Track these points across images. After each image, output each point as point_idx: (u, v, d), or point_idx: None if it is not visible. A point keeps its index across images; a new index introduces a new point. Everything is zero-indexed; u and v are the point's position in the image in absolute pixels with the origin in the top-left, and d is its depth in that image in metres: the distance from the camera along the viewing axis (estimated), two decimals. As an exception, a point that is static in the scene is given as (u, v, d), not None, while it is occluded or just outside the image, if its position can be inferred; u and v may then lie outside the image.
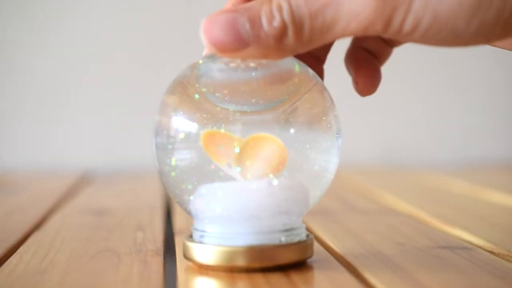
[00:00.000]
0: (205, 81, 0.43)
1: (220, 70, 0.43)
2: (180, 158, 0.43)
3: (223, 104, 0.42)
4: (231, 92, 0.42)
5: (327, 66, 0.49)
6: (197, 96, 0.43)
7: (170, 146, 0.43)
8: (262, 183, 0.42)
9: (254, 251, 0.42)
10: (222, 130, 0.42)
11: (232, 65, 0.42)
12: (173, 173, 0.43)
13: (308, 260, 0.45)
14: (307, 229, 0.53)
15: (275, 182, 0.42)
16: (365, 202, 0.77)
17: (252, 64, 0.42)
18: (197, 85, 0.43)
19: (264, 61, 0.42)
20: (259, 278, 0.41)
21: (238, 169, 0.42)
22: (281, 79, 0.43)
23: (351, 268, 0.44)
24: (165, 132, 0.43)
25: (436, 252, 0.47)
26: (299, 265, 0.43)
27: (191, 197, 0.43)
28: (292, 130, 0.42)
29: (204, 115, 0.42)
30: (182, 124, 0.43)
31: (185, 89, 0.43)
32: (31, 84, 1.21)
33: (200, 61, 0.44)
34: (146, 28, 1.23)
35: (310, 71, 0.44)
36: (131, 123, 1.21)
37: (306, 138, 0.43)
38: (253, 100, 0.42)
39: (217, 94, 0.42)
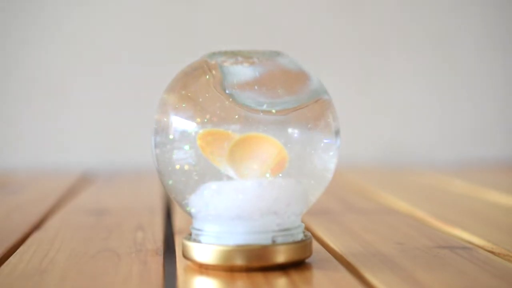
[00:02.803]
0: (218, 79, 0.43)
1: (229, 67, 0.43)
2: (179, 157, 0.43)
3: (230, 100, 0.42)
4: (239, 88, 0.43)
5: (328, 67, 0.49)
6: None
7: (168, 146, 0.43)
8: (253, 183, 0.42)
9: (249, 251, 0.42)
10: (221, 129, 0.42)
11: (239, 63, 0.42)
12: (171, 173, 0.43)
13: (308, 260, 0.45)
14: (307, 228, 0.53)
15: (266, 182, 0.42)
16: (365, 202, 0.77)
17: (263, 63, 0.42)
18: (204, 81, 0.43)
19: (275, 63, 0.42)
20: (259, 278, 0.41)
21: (231, 168, 0.42)
22: (293, 82, 0.43)
23: (351, 267, 0.44)
24: (164, 131, 0.43)
25: (436, 252, 0.47)
26: (299, 265, 0.43)
27: (189, 197, 0.43)
28: (291, 130, 0.42)
29: (203, 114, 0.42)
30: (180, 123, 0.43)
31: (186, 88, 0.43)
32: (32, 84, 1.21)
33: (207, 59, 0.44)
34: (146, 28, 1.23)
35: (316, 78, 0.44)
36: (131, 123, 1.21)
37: (305, 138, 0.43)
38: (260, 99, 0.42)
39: (225, 91, 0.42)
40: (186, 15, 1.22)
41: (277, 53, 0.44)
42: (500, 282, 0.40)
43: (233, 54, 0.43)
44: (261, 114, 0.42)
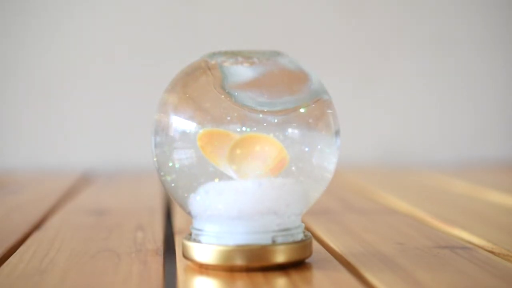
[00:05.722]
0: (217, 79, 0.43)
1: (229, 67, 0.43)
2: (179, 157, 0.43)
3: (230, 100, 0.42)
4: (239, 89, 0.43)
5: (328, 68, 0.49)
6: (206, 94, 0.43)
7: (168, 146, 0.43)
8: (253, 183, 0.42)
9: (249, 251, 0.42)
10: (221, 129, 0.42)
11: (239, 63, 0.43)
12: (171, 173, 0.43)
13: (308, 260, 0.45)
14: (307, 228, 0.53)
15: (266, 182, 0.42)
16: (365, 202, 0.77)
17: (263, 63, 0.42)
18: (205, 82, 0.43)
19: (276, 63, 0.43)
20: (259, 278, 0.41)
21: (231, 168, 0.42)
22: (293, 82, 0.43)
23: (351, 267, 0.44)
24: (164, 131, 0.43)
25: (436, 252, 0.47)
26: (299, 265, 0.43)
27: (189, 197, 0.43)
28: (291, 130, 0.42)
29: (203, 114, 0.42)
30: (180, 123, 0.43)
31: (186, 88, 0.44)
32: (32, 84, 1.21)
33: (207, 59, 0.44)
34: (147, 28, 1.23)
35: (317, 78, 0.44)
36: (131, 123, 1.21)
37: (305, 138, 0.43)
38: (261, 99, 0.42)
39: (225, 91, 0.42)
40: (186, 15, 1.22)
41: (277, 53, 0.44)
42: (500, 282, 0.40)
43: (233, 54, 0.43)
44: (261, 114, 0.42)
